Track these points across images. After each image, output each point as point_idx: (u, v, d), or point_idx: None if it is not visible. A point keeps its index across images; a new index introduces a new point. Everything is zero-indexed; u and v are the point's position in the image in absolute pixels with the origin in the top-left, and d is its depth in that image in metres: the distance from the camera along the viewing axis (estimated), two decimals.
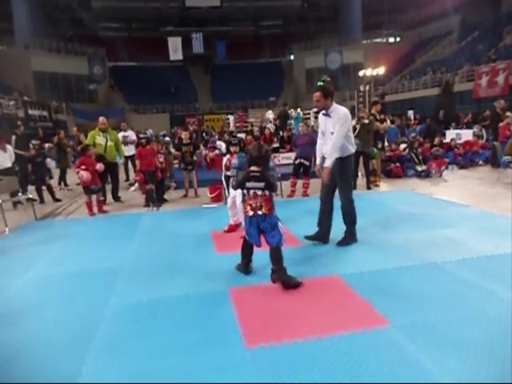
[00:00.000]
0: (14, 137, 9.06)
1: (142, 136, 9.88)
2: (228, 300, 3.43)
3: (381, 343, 2.68)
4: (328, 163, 4.49)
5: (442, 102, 23.33)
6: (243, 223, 4.12)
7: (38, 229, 6.53)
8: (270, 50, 45.38)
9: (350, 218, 4.83)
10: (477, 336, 2.69)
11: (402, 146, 11.41)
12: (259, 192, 3.67)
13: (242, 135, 11.80)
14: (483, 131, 14.06)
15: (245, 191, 3.75)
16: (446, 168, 10.11)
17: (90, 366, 2.60)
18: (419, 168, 9.85)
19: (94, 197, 7.37)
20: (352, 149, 4.70)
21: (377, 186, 8.72)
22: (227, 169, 5.66)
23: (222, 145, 10.57)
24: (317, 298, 3.42)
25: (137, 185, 9.09)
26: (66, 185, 10.78)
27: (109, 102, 37.58)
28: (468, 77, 23.64)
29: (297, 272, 3.96)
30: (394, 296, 3.36)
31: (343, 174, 4.69)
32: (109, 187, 8.49)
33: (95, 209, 7.37)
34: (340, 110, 4.57)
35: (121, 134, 10.07)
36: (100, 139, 8.20)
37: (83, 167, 7.10)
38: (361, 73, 26.53)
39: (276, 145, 13.42)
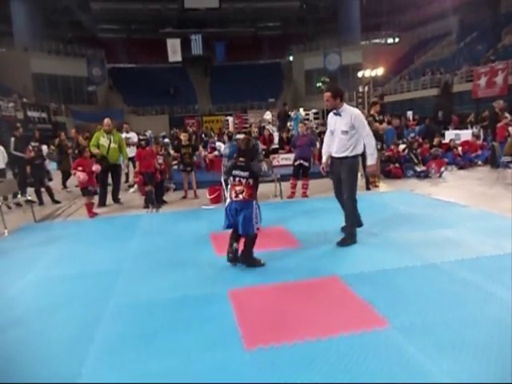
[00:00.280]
0: (12, 139, 9.05)
1: (141, 138, 9.88)
2: (227, 301, 3.42)
3: (380, 344, 2.67)
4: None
5: (440, 103, 23.38)
6: None
7: (37, 231, 6.52)
8: (269, 51, 45.41)
9: (351, 218, 4.86)
10: (476, 336, 2.69)
11: (402, 146, 11.41)
12: (244, 180, 4.11)
13: (241, 136, 11.81)
14: (481, 131, 14.08)
15: (231, 178, 4.20)
16: (446, 169, 10.11)
17: (89, 368, 2.59)
18: (418, 168, 9.86)
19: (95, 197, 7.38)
20: (360, 149, 4.78)
21: (376, 186, 8.72)
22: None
23: (221, 146, 10.57)
24: (316, 298, 3.42)
25: (136, 186, 9.08)
26: (65, 187, 10.77)
27: (108, 103, 37.61)
28: (467, 77, 23.68)
29: (296, 273, 3.98)
30: (393, 297, 3.36)
31: (348, 174, 4.76)
32: (109, 189, 8.48)
33: (81, 211, 7.43)
34: (353, 111, 4.72)
35: (123, 136, 10.06)
36: (104, 141, 8.20)
37: (80, 169, 7.15)
38: (360, 74, 26.56)
39: (275, 146, 13.42)
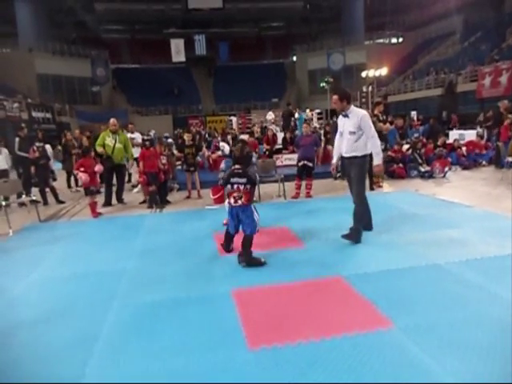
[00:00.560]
0: (17, 139, 9.10)
1: (145, 138, 9.90)
2: (231, 301, 3.43)
3: (384, 344, 2.67)
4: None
5: (445, 103, 23.30)
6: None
7: (42, 230, 6.55)
8: (273, 51, 45.46)
9: (358, 215, 4.95)
10: (480, 337, 2.68)
11: (405, 146, 11.38)
12: (241, 186, 4.30)
13: (245, 136, 11.81)
14: (485, 132, 14.02)
15: (229, 186, 4.37)
16: (450, 169, 10.08)
17: (93, 368, 2.60)
18: (422, 169, 9.83)
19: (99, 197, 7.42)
20: (369, 149, 4.89)
21: (380, 186, 8.70)
22: None
23: (224, 146, 10.57)
24: (320, 298, 3.42)
25: (140, 186, 9.11)
26: (69, 187, 10.82)
27: (112, 103, 37.74)
28: (471, 77, 23.59)
29: (300, 273, 3.98)
30: (397, 297, 3.35)
31: (357, 173, 4.90)
32: (109, 189, 8.52)
33: (86, 210, 7.51)
34: (359, 112, 4.86)
35: (128, 136, 10.09)
36: (109, 140, 8.22)
37: (82, 169, 7.21)
38: (363, 73, 26.54)
39: (279, 146, 13.43)
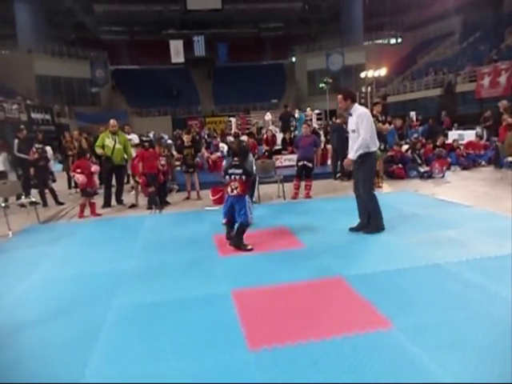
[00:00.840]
0: (16, 140, 9.09)
1: (144, 139, 9.89)
2: (231, 302, 3.43)
3: (384, 344, 2.67)
4: (350, 155, 5.06)
5: (444, 103, 23.31)
6: None
7: (41, 232, 6.55)
8: (272, 52, 45.47)
9: (371, 210, 5.20)
10: (480, 337, 2.68)
11: (405, 147, 11.40)
12: (237, 177, 4.77)
13: (244, 137, 11.82)
14: (484, 132, 14.03)
15: (227, 177, 4.83)
16: (448, 168, 10.08)
17: (93, 368, 2.60)
18: (422, 169, 9.84)
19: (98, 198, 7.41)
20: (373, 147, 5.06)
21: (379, 187, 8.70)
22: None
23: (224, 147, 10.58)
24: (320, 299, 3.42)
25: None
26: (70, 188, 10.79)
27: (111, 105, 37.75)
28: (470, 77, 23.62)
29: (300, 273, 3.98)
30: (397, 297, 3.35)
31: (363, 170, 5.10)
32: (109, 190, 8.51)
33: (85, 212, 7.52)
34: (359, 110, 5.05)
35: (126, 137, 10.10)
36: (109, 141, 8.22)
37: (79, 171, 7.24)
38: (362, 74, 26.57)
39: (278, 147, 13.44)
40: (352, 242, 4.98)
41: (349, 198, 7.63)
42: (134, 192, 8.66)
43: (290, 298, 3.46)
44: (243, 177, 4.80)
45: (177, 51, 36.27)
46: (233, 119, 20.22)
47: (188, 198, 8.67)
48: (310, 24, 43.01)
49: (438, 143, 11.28)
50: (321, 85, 29.34)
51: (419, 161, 10.16)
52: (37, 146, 8.94)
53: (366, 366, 2.44)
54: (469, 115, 20.02)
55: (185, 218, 6.88)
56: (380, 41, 38.27)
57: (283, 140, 13.47)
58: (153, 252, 5.05)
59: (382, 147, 9.08)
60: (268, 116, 17.67)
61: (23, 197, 7.95)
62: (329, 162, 11.97)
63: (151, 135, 17.72)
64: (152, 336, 2.96)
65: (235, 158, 4.91)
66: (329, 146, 12.00)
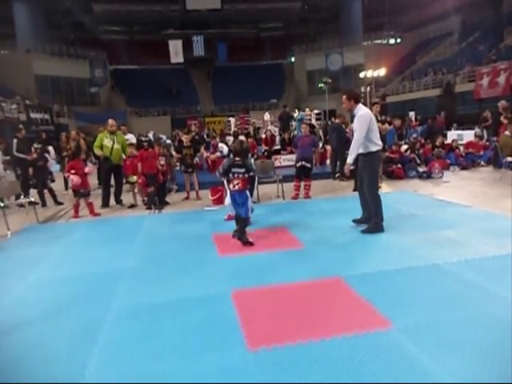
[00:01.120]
0: (15, 140, 9.08)
1: (143, 139, 9.88)
2: (230, 302, 3.43)
3: (384, 344, 2.67)
4: (348, 159, 5.15)
5: (443, 103, 23.33)
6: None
7: (40, 232, 6.55)
8: (271, 51, 45.48)
9: (372, 210, 5.26)
10: (480, 337, 2.68)
11: (404, 147, 11.40)
12: (241, 175, 5.05)
13: (242, 137, 11.82)
14: (484, 132, 14.04)
15: (230, 175, 5.06)
16: (447, 169, 10.09)
17: (92, 368, 2.60)
18: (421, 169, 9.84)
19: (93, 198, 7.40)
20: (373, 147, 5.15)
21: (379, 187, 8.69)
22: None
23: (223, 147, 10.57)
24: (319, 299, 3.42)
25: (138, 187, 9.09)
26: (66, 188, 10.71)
27: (110, 104, 37.71)
28: (469, 77, 23.65)
29: (299, 273, 3.98)
30: (396, 297, 3.35)
31: (365, 170, 5.21)
32: (108, 190, 8.51)
33: (84, 212, 7.58)
34: (360, 111, 5.12)
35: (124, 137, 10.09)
36: (107, 141, 8.21)
37: (73, 171, 7.26)
38: (362, 74, 26.58)
39: (277, 147, 13.44)
40: (351, 242, 4.98)
41: (348, 197, 7.66)
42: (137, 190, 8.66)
43: (289, 298, 3.46)
44: (246, 175, 5.07)
45: (176, 51, 36.26)
46: (232, 119, 20.22)
47: (187, 198, 8.67)
48: (309, 24, 43.02)
49: (437, 143, 11.29)
50: (320, 85, 29.34)
51: (418, 161, 10.16)
52: (36, 145, 8.92)
53: (366, 366, 2.44)
54: (468, 115, 20.02)
55: (184, 218, 6.87)
56: (379, 41, 38.20)
57: (282, 140, 13.47)
58: (152, 252, 5.04)
59: (381, 147, 9.08)
60: (267, 116, 17.69)
61: (22, 197, 7.94)
62: (328, 161, 11.99)
63: (150, 135, 17.71)
64: (152, 336, 2.96)
65: (237, 158, 5.10)
66: (328, 147, 12.01)
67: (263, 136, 14.61)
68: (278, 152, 12.88)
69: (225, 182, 6.32)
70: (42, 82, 32.90)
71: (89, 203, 7.59)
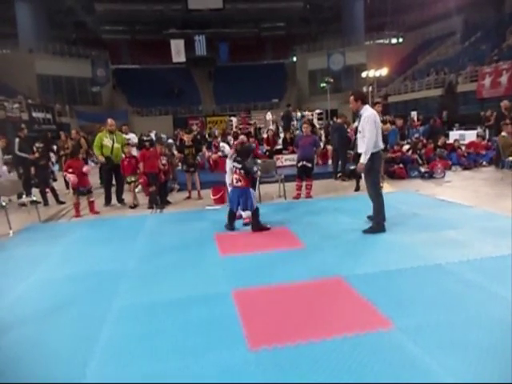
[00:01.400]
0: (17, 139, 9.09)
1: (145, 139, 9.88)
2: (231, 302, 3.43)
3: (385, 345, 2.67)
4: (362, 159, 5.15)
5: (445, 103, 23.27)
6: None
7: (42, 231, 6.56)
8: (273, 51, 45.43)
9: (375, 208, 5.30)
10: (481, 337, 2.68)
11: (406, 146, 11.38)
12: (238, 170, 5.57)
13: (243, 137, 11.81)
14: (486, 131, 14.01)
15: (234, 168, 5.64)
16: (449, 169, 10.06)
17: (93, 368, 2.60)
18: (423, 169, 9.82)
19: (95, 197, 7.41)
20: (377, 146, 5.22)
21: (380, 187, 8.68)
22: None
23: (225, 146, 10.56)
24: (320, 299, 3.42)
25: (140, 187, 9.10)
26: (67, 188, 10.70)
27: (112, 104, 37.73)
28: (471, 77, 23.58)
29: (300, 273, 3.98)
30: (397, 297, 3.35)
31: (367, 168, 5.23)
32: (109, 189, 8.53)
33: (86, 211, 7.61)
34: (366, 112, 5.20)
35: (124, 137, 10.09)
36: (107, 141, 8.22)
37: (70, 170, 7.29)
38: (364, 74, 26.53)
39: (279, 146, 13.43)
40: (352, 242, 4.97)
41: (349, 197, 7.66)
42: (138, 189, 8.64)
43: (290, 298, 3.46)
44: (242, 171, 5.54)
45: (178, 50, 36.28)
46: (234, 119, 20.20)
47: (189, 198, 8.68)
48: (311, 23, 42.96)
49: (439, 143, 11.26)
50: (322, 84, 29.32)
51: (420, 161, 10.15)
52: (37, 145, 8.94)
53: (367, 366, 2.44)
54: (470, 115, 19.96)
55: (185, 218, 6.88)
56: (381, 40, 38.18)
57: (284, 140, 13.45)
58: (153, 251, 5.05)
59: (383, 147, 9.07)
60: (269, 116, 17.68)
61: (24, 196, 7.96)
62: (329, 161, 11.99)
63: (152, 135, 17.72)
64: (152, 335, 2.96)
65: (238, 157, 5.65)
66: (329, 147, 12.00)
67: (265, 136, 14.60)
68: (279, 152, 12.86)
69: (227, 182, 6.43)
70: (44, 81, 32.93)
71: (90, 201, 7.62)
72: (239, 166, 5.57)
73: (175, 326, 3.08)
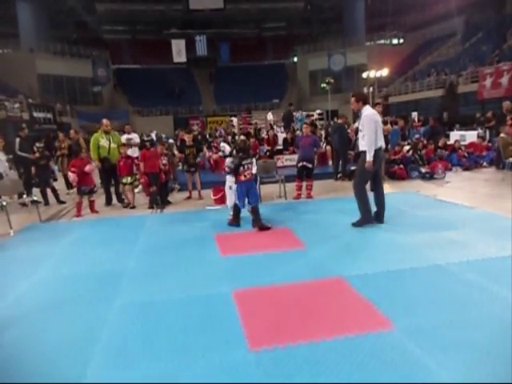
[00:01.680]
0: (17, 139, 9.10)
1: (146, 139, 9.87)
2: (232, 302, 3.43)
3: (385, 345, 2.67)
4: (368, 157, 5.33)
5: (446, 104, 23.26)
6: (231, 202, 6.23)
7: (43, 230, 6.56)
8: (274, 51, 45.44)
9: (358, 203, 5.59)
10: (482, 337, 2.68)
11: (406, 147, 11.38)
12: (250, 165, 5.89)
13: (242, 137, 11.81)
14: (487, 132, 14.00)
15: (241, 168, 5.81)
16: (450, 169, 10.06)
17: (94, 368, 2.60)
18: (423, 169, 9.82)
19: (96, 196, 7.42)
20: (361, 147, 5.46)
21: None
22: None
23: (225, 146, 10.57)
24: (321, 299, 3.42)
25: (140, 187, 9.11)
26: (67, 188, 10.67)
27: (113, 104, 37.77)
28: (472, 78, 23.55)
29: (301, 273, 3.98)
30: (398, 298, 3.35)
31: (360, 164, 5.52)
32: (108, 189, 8.53)
33: (86, 210, 7.65)
34: (365, 111, 5.42)
35: (125, 137, 10.09)
36: (103, 141, 8.22)
37: (73, 169, 7.35)
38: (364, 74, 26.51)
39: (280, 147, 13.42)
40: (353, 243, 4.98)
41: (350, 198, 7.62)
42: (134, 192, 8.54)
43: (290, 298, 3.46)
44: (249, 165, 5.90)
45: (179, 51, 36.32)
46: (234, 119, 20.18)
47: (189, 198, 8.68)
48: (312, 24, 42.94)
49: (439, 144, 11.26)
50: (322, 85, 29.29)
51: (421, 161, 10.14)
52: (38, 144, 8.94)
53: (367, 367, 2.44)
54: (471, 116, 19.94)
55: (186, 218, 6.88)
56: (382, 41, 38.14)
57: (284, 140, 13.45)
58: (154, 251, 5.05)
59: (384, 147, 9.06)
60: (270, 116, 17.66)
61: (25, 195, 7.96)
62: (330, 162, 11.99)
63: (153, 135, 17.71)
64: (153, 335, 2.96)
65: (241, 154, 5.92)
66: (328, 147, 12.01)
67: (265, 136, 14.59)
68: (280, 152, 12.86)
69: (226, 186, 6.43)
70: (45, 81, 32.96)
71: (90, 201, 7.65)
72: (249, 160, 5.92)
73: (175, 326, 3.08)
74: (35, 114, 24.33)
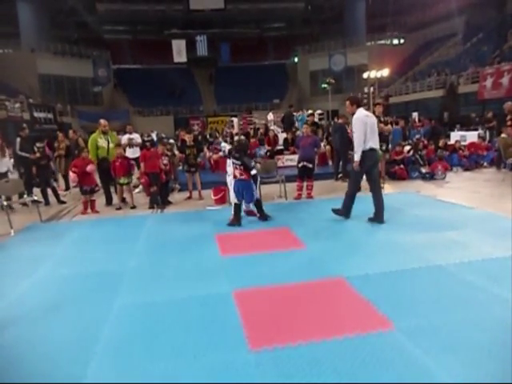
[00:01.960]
0: (18, 139, 9.10)
1: (146, 139, 9.87)
2: (232, 302, 3.43)
3: (386, 346, 2.67)
4: (355, 157, 5.67)
5: (446, 104, 23.25)
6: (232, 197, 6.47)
7: (43, 230, 6.57)
8: (274, 52, 45.45)
9: (346, 195, 6.03)
10: (482, 338, 2.68)
11: (407, 147, 11.37)
12: (238, 166, 6.09)
13: (241, 137, 11.81)
14: (487, 133, 13.99)
15: (234, 164, 6.15)
16: (450, 170, 10.05)
17: (94, 368, 2.60)
18: (424, 170, 9.82)
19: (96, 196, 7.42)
20: (367, 146, 5.66)
21: (381, 187, 8.67)
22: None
23: (225, 146, 10.57)
24: (321, 300, 3.42)
25: (141, 187, 9.11)
26: (65, 190, 10.63)
27: (113, 104, 37.77)
28: (473, 78, 23.55)
29: (301, 274, 3.98)
30: (398, 298, 3.35)
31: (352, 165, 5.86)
32: (108, 189, 8.53)
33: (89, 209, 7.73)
34: (356, 113, 5.71)
35: (126, 137, 10.10)
36: (102, 142, 8.23)
37: (73, 169, 7.42)
38: (365, 75, 26.47)
39: (280, 147, 13.41)
40: (353, 243, 4.98)
41: None
42: (132, 192, 8.49)
43: (291, 299, 3.46)
44: (241, 167, 6.04)
45: (179, 51, 36.32)
46: (235, 119, 20.18)
47: (190, 198, 8.68)
48: (312, 24, 42.91)
49: (440, 144, 11.26)
50: (323, 85, 29.29)
51: (421, 162, 10.14)
52: (38, 144, 8.94)
53: (367, 367, 2.44)
54: (471, 116, 19.93)
55: (186, 218, 6.88)
56: (382, 41, 38.12)
57: (285, 140, 13.44)
58: (154, 251, 5.05)
59: (384, 148, 9.06)
60: (270, 116, 17.66)
61: (25, 195, 7.97)
62: (330, 162, 11.99)
63: (153, 135, 17.72)
64: (153, 336, 2.96)
65: (236, 154, 6.13)
66: (328, 147, 12.00)
67: (260, 134, 14.60)
68: (280, 152, 12.85)
69: (227, 181, 6.51)
70: (46, 81, 32.99)
71: (91, 200, 7.67)
72: (238, 162, 6.06)
73: (176, 326, 3.08)
74: (36, 114, 24.33)
